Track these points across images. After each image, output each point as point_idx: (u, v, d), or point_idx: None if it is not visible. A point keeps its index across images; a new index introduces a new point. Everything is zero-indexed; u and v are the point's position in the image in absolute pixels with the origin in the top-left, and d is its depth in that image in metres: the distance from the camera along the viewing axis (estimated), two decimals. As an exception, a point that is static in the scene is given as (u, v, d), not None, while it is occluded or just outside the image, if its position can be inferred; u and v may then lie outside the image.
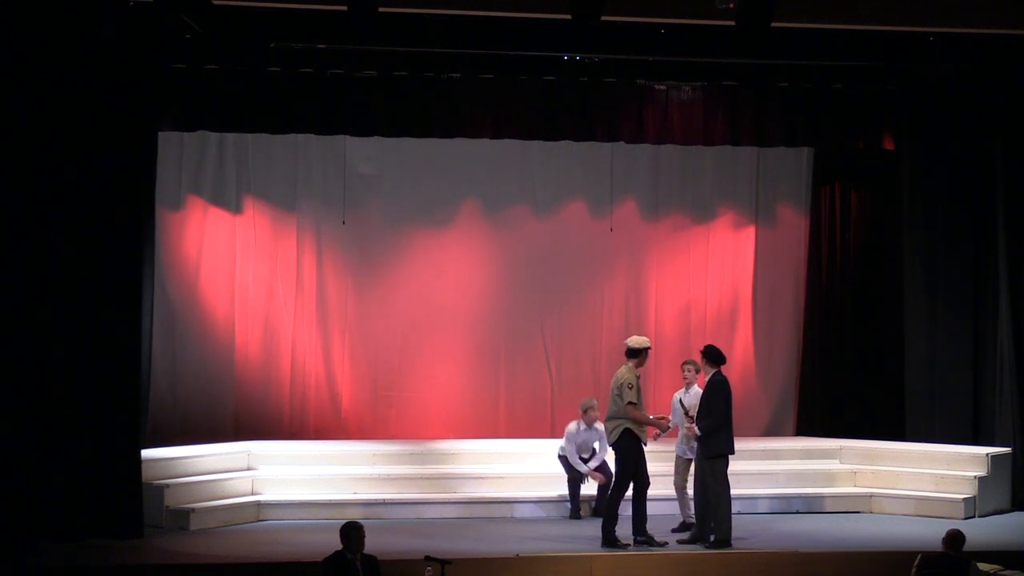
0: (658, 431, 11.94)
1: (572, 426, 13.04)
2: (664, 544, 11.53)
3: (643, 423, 11.63)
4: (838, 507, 13.43)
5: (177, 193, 14.77)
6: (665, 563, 10.99)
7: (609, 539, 11.41)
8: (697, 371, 12.48)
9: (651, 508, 11.81)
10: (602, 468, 12.86)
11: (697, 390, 12.33)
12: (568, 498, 13.01)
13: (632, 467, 11.54)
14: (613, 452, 11.69)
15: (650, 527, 11.57)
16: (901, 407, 14.85)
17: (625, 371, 11.65)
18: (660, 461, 12.77)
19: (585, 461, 12.89)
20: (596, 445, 12.97)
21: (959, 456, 13.65)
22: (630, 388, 11.51)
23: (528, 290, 15.54)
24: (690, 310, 15.85)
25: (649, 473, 11.84)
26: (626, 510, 11.60)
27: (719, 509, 11.48)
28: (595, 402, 13.01)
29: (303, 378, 15.14)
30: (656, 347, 15.36)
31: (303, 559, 10.43)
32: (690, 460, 12.29)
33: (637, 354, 11.75)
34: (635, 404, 11.49)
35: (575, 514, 12.90)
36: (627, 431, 11.51)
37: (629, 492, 11.57)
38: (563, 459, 13.02)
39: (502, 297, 15.54)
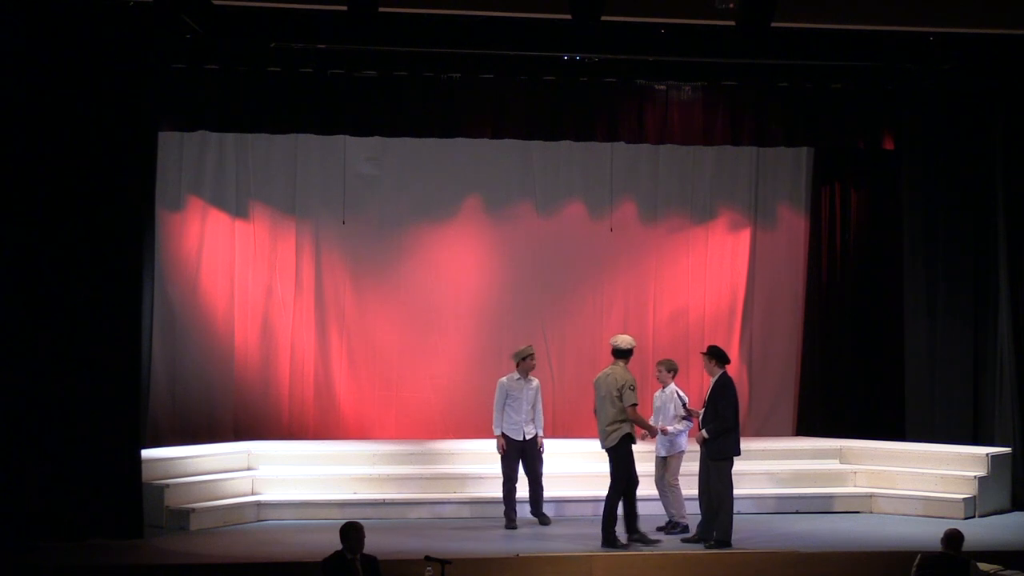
0: (647, 435, 11.89)
1: (504, 380, 12.56)
2: (657, 542, 11.52)
3: (642, 426, 11.61)
4: (838, 507, 13.43)
5: (177, 193, 14.77)
6: (665, 563, 11.00)
7: (609, 539, 11.41)
8: (668, 371, 12.46)
9: (645, 508, 11.85)
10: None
11: (673, 388, 12.34)
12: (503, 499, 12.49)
13: (629, 468, 11.54)
14: (608, 455, 11.66)
15: (641, 526, 11.60)
16: (901, 407, 14.85)
17: (622, 371, 11.62)
18: (650, 462, 12.78)
19: (524, 443, 12.29)
20: (532, 407, 12.39)
21: (959, 456, 13.64)
22: (632, 389, 11.49)
23: (528, 290, 15.55)
24: (690, 310, 15.85)
25: (640, 473, 11.75)
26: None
27: (721, 510, 11.47)
28: (534, 350, 12.70)
29: (302, 378, 15.14)
30: (656, 346, 15.46)
31: (303, 559, 10.44)
32: (664, 458, 12.29)
33: (628, 355, 11.73)
34: (636, 405, 11.49)
35: (511, 523, 12.36)
36: (627, 435, 11.52)
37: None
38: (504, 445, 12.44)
39: (502, 297, 15.55)
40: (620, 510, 11.59)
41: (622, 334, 12.14)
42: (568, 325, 15.55)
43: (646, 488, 12.85)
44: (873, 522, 12.97)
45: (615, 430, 11.56)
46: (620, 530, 11.54)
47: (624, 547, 11.34)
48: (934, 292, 14.59)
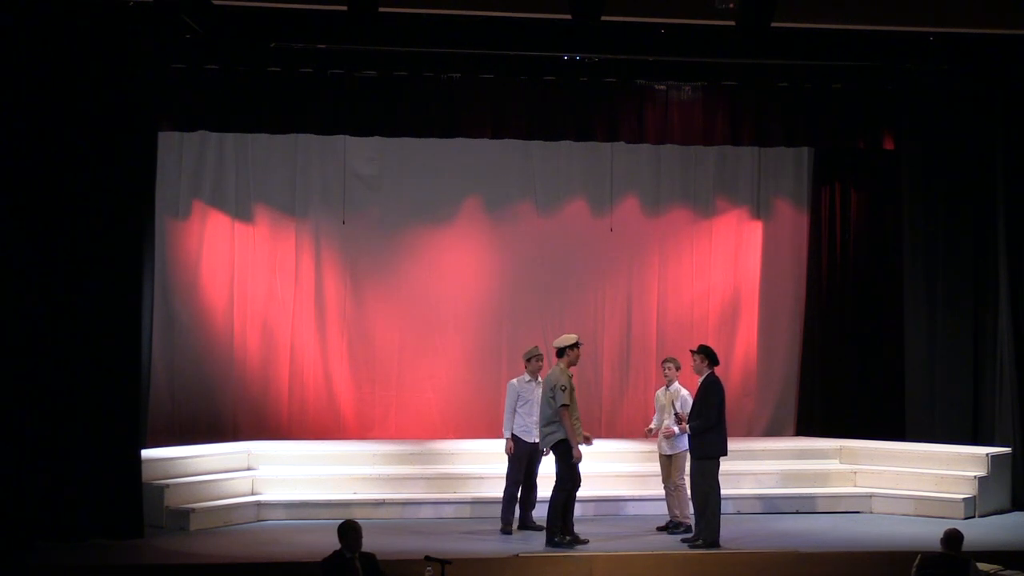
0: (581, 443, 11.58)
1: (514, 381, 12.34)
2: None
3: (568, 432, 11.44)
4: (838, 507, 13.43)
5: (177, 193, 14.78)
6: (665, 563, 10.99)
7: (553, 540, 11.38)
8: (677, 369, 12.42)
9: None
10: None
11: (678, 387, 12.32)
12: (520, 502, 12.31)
13: (573, 467, 11.49)
14: (553, 454, 11.63)
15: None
16: (901, 407, 14.85)
17: (557, 372, 11.57)
18: (650, 462, 12.76)
19: (534, 445, 12.06)
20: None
21: (959, 456, 13.64)
22: (563, 390, 11.42)
23: (529, 289, 15.55)
24: (692, 310, 15.84)
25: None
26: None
27: (707, 510, 11.45)
28: (540, 351, 12.48)
29: (302, 378, 15.14)
30: (661, 345, 15.45)
31: (303, 559, 10.43)
32: (669, 457, 12.26)
33: (563, 353, 11.66)
34: (568, 407, 11.42)
35: (507, 527, 12.17)
36: (563, 440, 11.47)
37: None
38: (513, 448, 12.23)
39: (503, 297, 15.56)
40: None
41: (567, 334, 12.08)
42: (569, 324, 15.47)
43: (650, 488, 12.89)
44: (873, 522, 12.97)
45: (550, 432, 11.53)
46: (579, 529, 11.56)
47: (568, 545, 11.31)
48: (934, 292, 14.58)
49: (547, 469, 12.34)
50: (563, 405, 11.42)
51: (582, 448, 11.60)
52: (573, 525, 11.57)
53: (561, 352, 11.69)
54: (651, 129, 14.22)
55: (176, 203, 14.78)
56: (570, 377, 11.56)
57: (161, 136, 13.00)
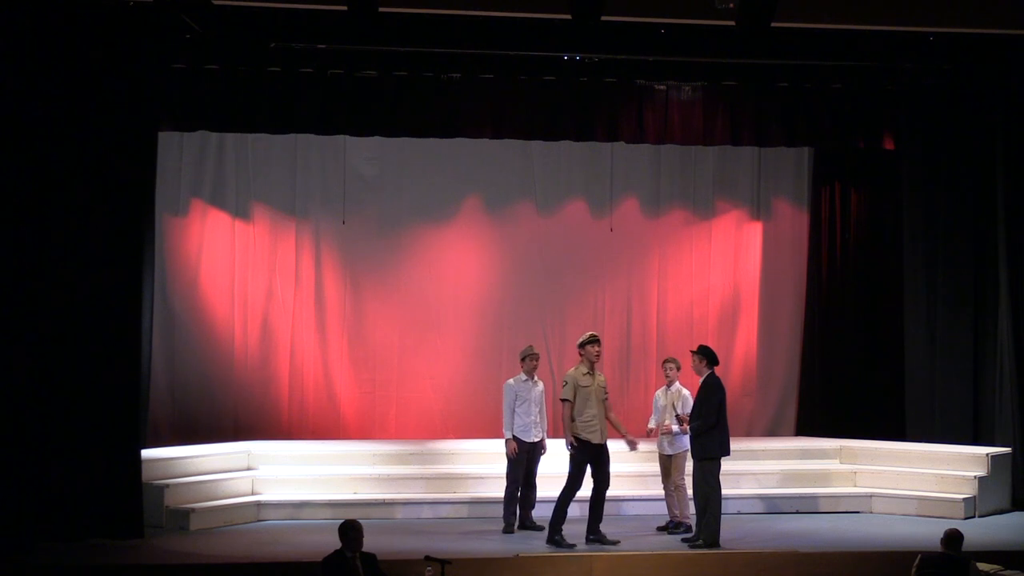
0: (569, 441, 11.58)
1: (511, 381, 12.41)
2: (616, 543, 11.45)
3: (565, 427, 11.50)
4: (838, 507, 13.43)
5: (177, 193, 14.79)
6: (665, 563, 10.99)
7: (554, 539, 11.37)
8: (678, 369, 12.45)
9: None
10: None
11: (678, 387, 12.33)
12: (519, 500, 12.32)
13: (582, 466, 11.49)
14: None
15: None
16: (901, 407, 14.85)
17: (573, 368, 11.70)
18: (650, 462, 12.75)
19: (533, 445, 12.18)
20: (538, 410, 12.27)
21: (959, 456, 13.65)
22: (564, 385, 11.56)
23: (529, 289, 15.56)
24: (692, 309, 15.85)
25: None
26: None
27: (708, 511, 11.45)
28: (535, 350, 12.54)
29: (302, 378, 15.15)
30: (661, 345, 15.44)
31: (303, 559, 10.44)
32: (669, 456, 12.27)
33: (579, 349, 11.73)
34: (569, 401, 11.46)
35: (509, 528, 12.18)
36: (576, 435, 11.51)
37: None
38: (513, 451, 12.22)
39: (502, 297, 15.56)
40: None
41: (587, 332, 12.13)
42: (569, 324, 15.53)
43: (650, 488, 12.89)
44: (873, 522, 12.97)
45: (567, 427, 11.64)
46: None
47: (571, 547, 11.28)
48: (934, 292, 14.59)
49: (546, 469, 12.38)
50: (562, 399, 11.52)
51: (626, 450, 11.79)
52: (599, 524, 11.55)
53: (578, 349, 11.78)
54: (651, 129, 14.20)
55: (176, 203, 14.79)
56: (584, 374, 11.58)
57: (161, 136, 13.00)
